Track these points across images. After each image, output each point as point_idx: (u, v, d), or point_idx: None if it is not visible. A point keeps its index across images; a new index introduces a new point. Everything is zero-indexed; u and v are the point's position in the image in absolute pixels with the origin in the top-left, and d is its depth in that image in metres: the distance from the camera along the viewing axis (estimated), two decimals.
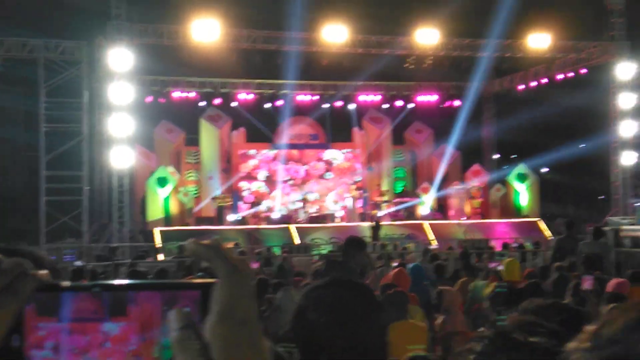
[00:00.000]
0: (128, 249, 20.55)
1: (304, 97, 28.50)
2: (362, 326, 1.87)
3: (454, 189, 27.62)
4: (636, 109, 24.18)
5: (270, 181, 27.79)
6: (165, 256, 20.68)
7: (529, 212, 27.01)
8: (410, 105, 29.49)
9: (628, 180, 24.28)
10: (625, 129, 24.07)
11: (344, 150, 28.63)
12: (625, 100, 23.97)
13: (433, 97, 29.73)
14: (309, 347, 1.89)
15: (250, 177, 27.68)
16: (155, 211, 24.70)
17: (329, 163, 28.37)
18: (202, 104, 27.41)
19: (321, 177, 28.26)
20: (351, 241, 7.43)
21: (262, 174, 27.75)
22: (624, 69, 23.79)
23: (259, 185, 27.67)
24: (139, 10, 21.66)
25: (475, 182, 28.04)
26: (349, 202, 26.72)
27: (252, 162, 27.78)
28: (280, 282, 10.30)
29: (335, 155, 28.50)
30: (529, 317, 1.12)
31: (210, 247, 0.92)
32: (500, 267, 10.32)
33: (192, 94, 27.35)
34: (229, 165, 27.59)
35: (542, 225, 24.93)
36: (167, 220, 24.51)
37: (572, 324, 2.07)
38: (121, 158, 21.32)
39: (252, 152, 27.85)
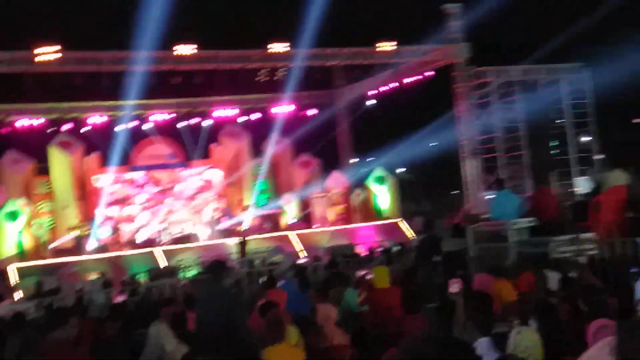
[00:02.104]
0: None
1: (158, 117, 27.90)
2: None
3: (314, 195, 27.92)
4: (478, 106, 25.52)
5: (129, 205, 26.99)
6: (23, 294, 19.62)
7: (390, 214, 27.78)
8: (266, 117, 29.56)
9: (477, 176, 25.48)
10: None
11: (203, 167, 28.27)
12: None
13: (288, 108, 29.96)
14: None
15: (108, 202, 26.73)
16: (8, 247, 23.33)
17: (189, 181, 27.93)
18: (50, 130, 26.20)
19: (182, 196, 27.77)
20: (215, 265, 7.61)
21: (120, 199, 26.91)
22: (464, 70, 25.06)
23: (118, 210, 26.80)
24: None
25: (336, 188, 28.50)
26: (212, 220, 26.39)
27: (109, 188, 26.84)
28: (148, 314, 9.98)
29: (195, 172, 28.09)
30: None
31: None
32: (370, 275, 10.49)
33: (40, 121, 26.10)
34: (84, 192, 26.53)
35: (404, 226, 25.79)
36: (22, 256, 23.20)
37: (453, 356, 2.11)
38: None
39: (108, 177, 26.90)
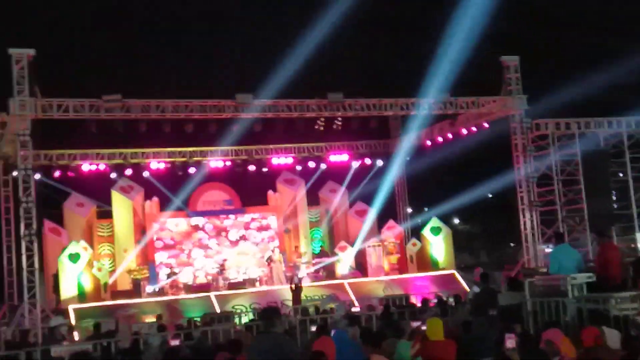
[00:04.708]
0: (41, 331, 19.69)
1: (216, 163, 28.41)
2: None
3: (370, 242, 27.83)
4: (536, 158, 25.29)
5: (187, 250, 27.38)
6: (80, 335, 19.95)
7: (445, 265, 27.49)
8: (323, 166, 29.84)
9: (536, 229, 25.08)
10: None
11: (260, 214, 28.56)
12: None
13: (344, 157, 30.19)
14: None
15: (167, 246, 27.20)
16: (68, 288, 23.82)
17: (246, 228, 28.22)
18: (113, 175, 26.94)
19: (239, 242, 28.05)
20: (267, 312, 7.68)
21: (178, 243, 27.34)
22: (522, 122, 24.98)
23: (176, 255, 27.20)
24: (42, 85, 21.27)
25: (391, 238, 28.38)
26: (276, 265, 26.50)
27: (167, 232, 27.34)
28: None
29: (252, 219, 28.38)
30: None
31: None
32: (424, 327, 10.38)
33: (102, 166, 26.86)
34: (143, 236, 27.06)
35: (458, 277, 25.48)
36: (82, 297, 23.67)
37: None
38: (29, 236, 20.50)
39: (167, 221, 27.42)
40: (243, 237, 28.11)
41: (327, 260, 27.66)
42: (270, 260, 26.45)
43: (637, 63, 24.34)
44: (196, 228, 27.66)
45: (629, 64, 24.55)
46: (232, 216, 28.16)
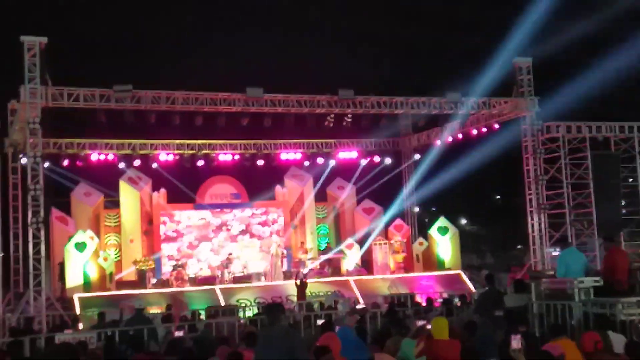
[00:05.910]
0: (45, 318, 19.74)
1: (225, 157, 28.39)
2: None
3: (377, 240, 27.80)
4: (546, 161, 25.15)
5: (193, 242, 27.39)
6: (84, 324, 19.98)
7: (451, 265, 27.43)
8: (332, 162, 29.76)
9: (544, 231, 24.96)
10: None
11: (267, 209, 28.52)
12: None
13: (353, 154, 30.13)
14: None
15: (173, 238, 27.21)
16: (74, 277, 23.86)
17: (252, 222, 28.20)
18: (121, 165, 26.94)
19: (245, 235, 28.03)
20: (271, 307, 7.77)
21: (184, 235, 27.35)
22: (533, 124, 24.84)
23: (181, 247, 27.22)
24: (53, 73, 21.27)
25: (398, 236, 28.33)
26: (273, 261, 26.50)
27: (174, 224, 27.35)
28: (204, 351, 10.11)
29: (259, 213, 28.36)
30: None
31: None
32: (429, 326, 10.33)
33: (111, 156, 26.88)
34: (150, 227, 27.08)
35: (464, 278, 25.41)
36: (87, 286, 23.70)
37: None
38: (36, 224, 20.52)
39: (174, 213, 27.43)
40: (248, 231, 28.09)
41: (332, 256, 27.63)
42: (273, 257, 26.41)
43: None
44: (203, 221, 27.66)
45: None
46: (239, 210, 28.13)
